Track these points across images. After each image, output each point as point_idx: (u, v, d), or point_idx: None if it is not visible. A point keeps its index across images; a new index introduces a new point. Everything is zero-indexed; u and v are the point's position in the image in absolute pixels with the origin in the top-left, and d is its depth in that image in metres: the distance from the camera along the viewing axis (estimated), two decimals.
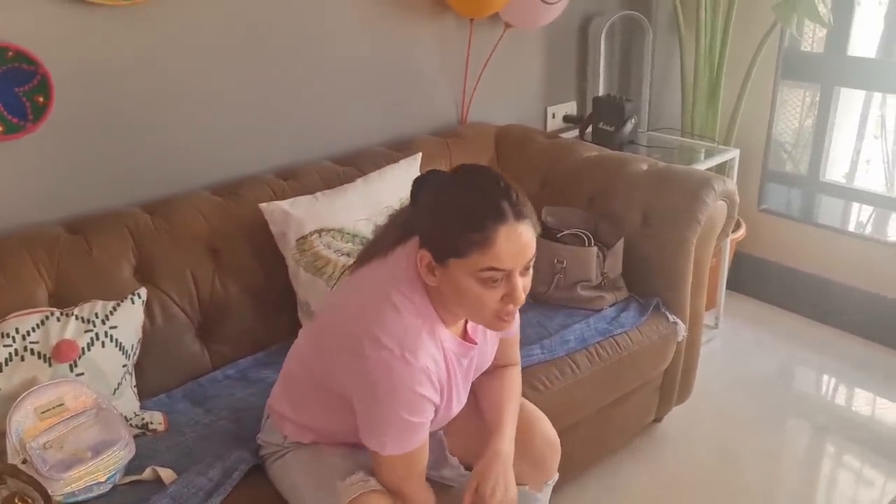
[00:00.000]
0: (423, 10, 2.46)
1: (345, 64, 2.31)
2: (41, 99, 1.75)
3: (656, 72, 3.12)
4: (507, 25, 2.60)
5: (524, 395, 1.80)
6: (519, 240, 1.19)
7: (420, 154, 2.25)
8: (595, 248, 2.05)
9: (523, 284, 1.24)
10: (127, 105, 1.91)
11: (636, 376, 2.07)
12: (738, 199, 2.19)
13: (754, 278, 3.15)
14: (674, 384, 2.26)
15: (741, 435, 2.38)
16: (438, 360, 1.29)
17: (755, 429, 2.41)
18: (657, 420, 2.38)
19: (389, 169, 2.14)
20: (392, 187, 2.06)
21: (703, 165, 2.69)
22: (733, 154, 2.74)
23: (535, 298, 2.10)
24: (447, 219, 1.22)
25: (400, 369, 1.21)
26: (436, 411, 1.31)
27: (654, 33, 3.07)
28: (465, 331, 1.40)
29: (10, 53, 1.68)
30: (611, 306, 2.09)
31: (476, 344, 1.39)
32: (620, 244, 2.10)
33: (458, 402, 1.41)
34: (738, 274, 3.15)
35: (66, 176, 1.87)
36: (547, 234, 2.14)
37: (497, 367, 1.56)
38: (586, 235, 2.10)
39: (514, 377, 1.57)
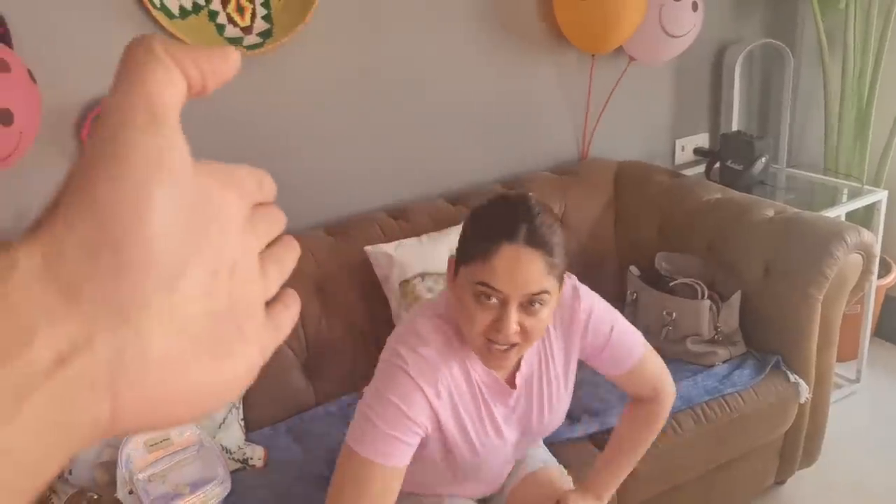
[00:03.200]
0: (544, 47, 2.44)
1: (461, 101, 2.33)
2: None
3: (798, 104, 2.92)
4: (632, 59, 2.52)
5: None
6: (519, 264, 1.12)
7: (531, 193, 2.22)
8: (707, 302, 1.95)
9: (525, 324, 1.15)
10: (244, 148, 2.03)
11: (749, 440, 1.95)
12: (877, 251, 2.00)
13: None
14: (797, 448, 2.10)
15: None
16: (461, 388, 1.24)
17: (894, 500, 2.20)
18: (780, 483, 2.22)
19: None
20: None
21: (845, 208, 2.49)
22: (880, 196, 2.51)
23: None
24: (471, 225, 1.21)
25: (401, 380, 1.18)
26: (455, 450, 1.27)
27: (797, 62, 2.87)
28: (513, 375, 1.31)
29: None
30: (724, 362, 1.97)
31: (514, 389, 1.30)
32: (737, 297, 1.98)
33: (501, 453, 1.34)
34: (889, 321, 2.88)
35: None
36: (659, 282, 2.06)
37: (637, 400, 1.43)
38: (699, 286, 1.99)
39: (649, 409, 1.40)
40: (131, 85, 0.28)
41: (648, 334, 2.01)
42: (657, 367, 1.42)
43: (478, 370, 1.26)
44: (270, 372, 1.86)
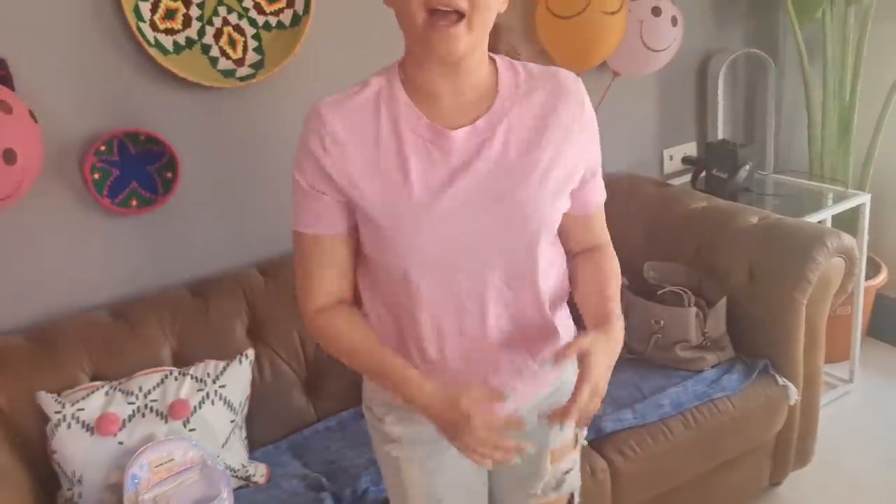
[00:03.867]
0: None
1: None
2: (169, 174, 1.95)
3: (783, 111, 2.98)
4: (616, 73, 2.59)
5: (610, 460, 1.80)
6: None
7: None
8: (693, 309, 2.00)
9: None
10: (244, 174, 2.09)
11: (739, 443, 1.99)
12: (857, 254, 2.05)
13: None
14: (788, 449, 2.15)
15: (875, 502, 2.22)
16: (367, 127, 1.11)
17: (891, 496, 2.24)
18: (776, 484, 2.26)
19: None
20: None
21: (830, 212, 2.54)
22: (864, 199, 2.56)
23: (632, 356, 2.07)
24: None
25: (305, 119, 1.13)
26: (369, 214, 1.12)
27: (779, 71, 2.94)
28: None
29: (142, 137, 1.90)
30: (713, 367, 2.02)
31: (450, 132, 1.11)
32: (723, 303, 2.03)
33: (432, 225, 1.11)
34: (881, 320, 2.93)
35: (190, 241, 2.06)
36: (647, 290, 2.12)
37: (586, 250, 1.30)
38: (686, 293, 2.05)
39: (610, 256, 1.31)
40: None
41: (637, 342, 2.08)
42: (603, 220, 1.33)
43: (401, 102, 1.12)
44: (272, 392, 1.93)
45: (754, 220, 2.15)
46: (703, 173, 2.66)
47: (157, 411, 1.71)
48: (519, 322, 1.22)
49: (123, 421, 1.67)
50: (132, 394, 1.71)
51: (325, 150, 1.10)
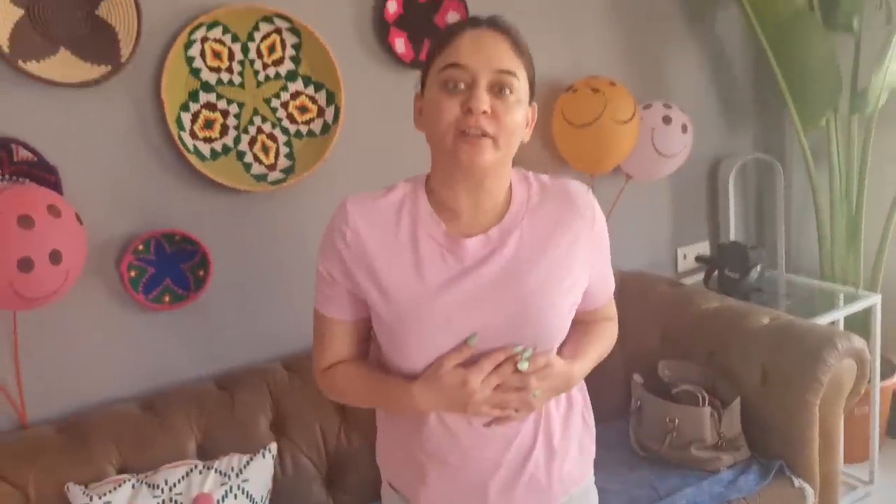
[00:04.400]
0: (547, 169, 2.61)
1: None
2: (201, 272, 2.04)
3: (792, 213, 3.07)
4: (629, 177, 2.69)
5: None
6: (484, 40, 1.11)
7: None
8: (708, 409, 2.03)
9: (498, 110, 1.10)
10: (271, 272, 2.19)
11: None
12: (868, 356, 2.09)
13: None
14: None
15: None
16: (387, 227, 1.19)
17: None
18: None
19: None
20: None
21: (842, 313, 2.59)
22: (875, 300, 2.61)
23: (647, 455, 2.09)
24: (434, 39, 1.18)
25: (334, 213, 1.22)
26: (379, 306, 1.18)
27: (788, 174, 3.04)
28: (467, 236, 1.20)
29: (178, 237, 2.00)
30: (729, 468, 2.04)
31: (464, 240, 1.17)
32: (737, 404, 2.06)
33: (432, 313, 1.16)
34: None
35: (218, 336, 2.14)
36: (661, 390, 2.15)
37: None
38: (701, 393, 2.08)
39: (605, 325, 1.37)
40: None
41: (653, 440, 2.10)
42: (612, 303, 1.40)
43: (423, 212, 1.20)
44: (293, 485, 1.96)
45: (766, 320, 2.20)
46: (716, 273, 2.72)
47: None
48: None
49: None
50: (158, 487, 1.76)
51: (347, 244, 1.19)
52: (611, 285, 1.36)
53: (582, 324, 1.32)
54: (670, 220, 2.96)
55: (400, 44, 2.24)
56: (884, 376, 2.75)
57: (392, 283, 1.17)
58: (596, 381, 2.39)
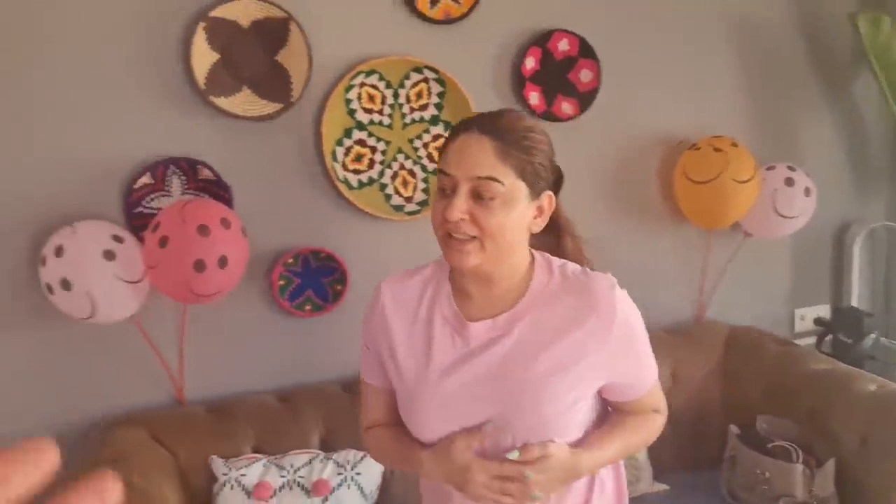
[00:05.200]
0: (663, 220, 2.74)
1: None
2: (339, 287, 2.32)
3: None
4: (748, 234, 2.76)
5: None
6: (468, 147, 1.15)
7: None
8: (801, 466, 2.08)
9: (478, 215, 1.14)
10: None
11: None
12: None
13: None
14: None
15: None
16: (410, 305, 1.29)
17: None
18: None
19: None
20: None
21: None
22: None
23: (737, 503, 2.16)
24: None
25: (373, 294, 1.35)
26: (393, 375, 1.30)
27: None
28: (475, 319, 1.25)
29: (322, 255, 2.29)
30: None
31: (470, 324, 1.23)
32: (831, 464, 2.10)
33: (431, 392, 1.24)
34: None
35: (347, 344, 2.38)
36: (757, 442, 2.21)
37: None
38: (795, 450, 2.13)
39: (644, 419, 1.34)
40: None
41: (742, 490, 2.17)
42: (660, 392, 1.36)
43: (443, 297, 1.28)
44: (401, 484, 2.16)
45: (873, 387, 2.21)
46: (830, 337, 2.73)
47: (302, 486, 2.00)
48: None
49: (275, 490, 1.98)
50: (284, 468, 2.02)
51: (376, 322, 1.32)
52: (646, 379, 1.31)
53: (620, 413, 1.33)
54: (789, 280, 2.99)
55: (534, 97, 2.45)
56: None
57: (404, 363, 1.27)
58: (692, 430, 2.49)
